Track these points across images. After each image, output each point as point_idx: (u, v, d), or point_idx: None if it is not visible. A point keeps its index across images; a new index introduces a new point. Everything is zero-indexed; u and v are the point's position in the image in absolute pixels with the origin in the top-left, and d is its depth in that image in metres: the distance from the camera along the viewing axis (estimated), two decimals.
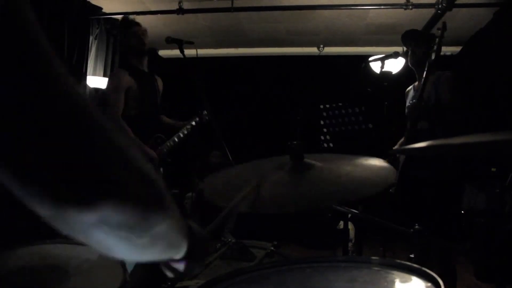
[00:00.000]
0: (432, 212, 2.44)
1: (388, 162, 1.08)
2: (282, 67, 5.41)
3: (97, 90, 4.22)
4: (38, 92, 0.34)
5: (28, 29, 0.34)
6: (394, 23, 4.46)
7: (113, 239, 0.43)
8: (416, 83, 2.74)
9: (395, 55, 2.84)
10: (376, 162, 1.11)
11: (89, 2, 4.04)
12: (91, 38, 4.16)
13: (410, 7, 3.80)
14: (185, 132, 2.97)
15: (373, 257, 0.94)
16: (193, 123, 3.00)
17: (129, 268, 1.31)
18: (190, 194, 4.77)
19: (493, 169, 3.53)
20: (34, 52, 0.35)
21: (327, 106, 2.69)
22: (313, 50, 5.31)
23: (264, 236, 1.85)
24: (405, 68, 4.16)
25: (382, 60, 2.86)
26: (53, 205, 0.37)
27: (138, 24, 2.86)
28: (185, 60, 2.57)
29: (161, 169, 2.90)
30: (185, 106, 3.43)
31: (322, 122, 2.70)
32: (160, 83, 3.01)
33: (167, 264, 0.64)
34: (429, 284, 0.79)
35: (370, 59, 3.07)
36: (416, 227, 1.37)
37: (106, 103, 2.73)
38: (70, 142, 0.36)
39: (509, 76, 3.66)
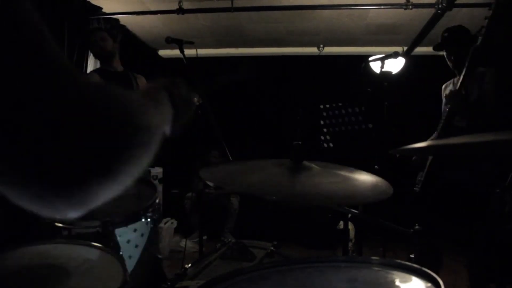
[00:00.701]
0: (462, 214, 2.42)
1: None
2: (282, 67, 5.40)
3: None
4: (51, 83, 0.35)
5: (28, 21, 0.35)
6: (394, 23, 4.46)
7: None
8: (456, 78, 2.70)
9: (395, 55, 2.84)
10: (374, 178, 1.11)
11: (89, 2, 4.04)
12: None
13: (410, 7, 3.80)
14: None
15: (373, 257, 0.94)
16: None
17: (129, 268, 1.32)
18: (190, 194, 4.78)
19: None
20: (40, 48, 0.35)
21: (327, 106, 2.69)
22: (313, 50, 5.31)
23: (264, 236, 1.85)
24: (405, 68, 4.18)
25: (382, 60, 2.86)
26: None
27: (95, 30, 2.85)
28: (185, 60, 2.57)
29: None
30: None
31: (322, 122, 2.70)
32: (140, 80, 2.98)
33: None
34: (429, 284, 0.79)
35: (370, 59, 3.07)
36: (416, 227, 1.37)
37: None
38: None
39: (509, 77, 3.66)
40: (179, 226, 4.41)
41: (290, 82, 5.34)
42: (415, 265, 0.86)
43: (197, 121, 3.01)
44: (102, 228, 1.53)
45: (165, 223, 4.18)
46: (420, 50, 4.62)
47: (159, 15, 4.18)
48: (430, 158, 2.61)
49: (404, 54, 4.14)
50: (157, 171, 4.64)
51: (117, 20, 4.47)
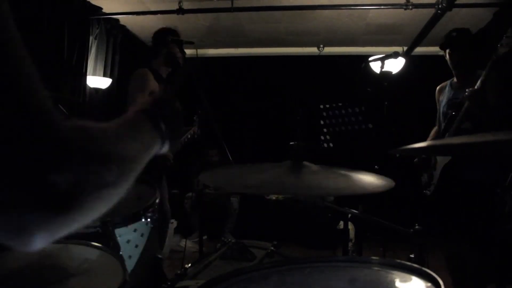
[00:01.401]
0: (474, 215, 2.41)
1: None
2: (282, 67, 5.40)
3: (97, 90, 4.22)
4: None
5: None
6: (394, 23, 4.46)
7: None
8: (454, 80, 2.71)
9: (395, 55, 2.83)
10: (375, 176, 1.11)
11: (89, 2, 4.04)
12: (91, 38, 4.16)
13: (410, 7, 3.80)
14: (186, 140, 3.00)
15: (373, 257, 0.94)
16: (192, 132, 3.03)
17: (129, 268, 1.31)
18: (190, 194, 4.78)
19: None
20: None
21: (327, 106, 2.69)
22: (313, 50, 5.31)
23: (264, 236, 1.85)
24: (405, 68, 4.18)
25: (382, 60, 2.85)
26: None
27: (177, 43, 2.86)
28: (185, 60, 2.57)
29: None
30: (185, 106, 3.43)
31: (322, 122, 2.70)
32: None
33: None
34: (429, 284, 0.79)
35: (370, 59, 3.06)
36: (416, 227, 1.37)
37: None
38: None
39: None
40: (179, 226, 4.41)
41: (290, 82, 5.34)
42: (415, 265, 0.86)
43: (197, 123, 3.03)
44: (102, 228, 1.53)
45: None
46: (420, 50, 4.62)
47: (159, 15, 4.18)
48: (440, 160, 2.59)
49: (404, 54, 4.14)
50: None
51: (117, 20, 4.48)
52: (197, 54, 2.65)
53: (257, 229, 4.42)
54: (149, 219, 1.77)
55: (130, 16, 4.35)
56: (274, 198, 4.94)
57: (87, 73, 4.10)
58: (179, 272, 1.33)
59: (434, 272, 0.80)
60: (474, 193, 2.45)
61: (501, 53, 2.27)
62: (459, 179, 2.51)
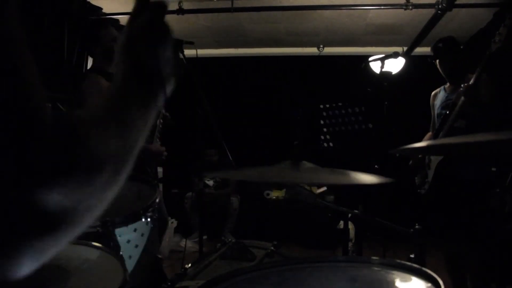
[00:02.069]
0: (469, 213, 2.43)
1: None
2: (282, 67, 5.40)
3: None
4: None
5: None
6: (394, 23, 4.46)
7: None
8: (447, 85, 2.76)
9: (395, 55, 2.84)
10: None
11: (89, 2, 4.04)
12: None
13: (410, 7, 3.80)
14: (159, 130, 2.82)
15: (373, 257, 0.94)
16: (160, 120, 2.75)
17: (129, 268, 1.31)
18: (190, 194, 4.78)
19: (493, 169, 3.53)
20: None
21: (327, 106, 2.69)
22: (313, 50, 5.31)
23: (264, 236, 1.85)
24: (405, 68, 4.18)
25: (382, 60, 2.86)
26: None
27: (107, 25, 2.72)
28: (185, 60, 2.56)
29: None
30: (184, 106, 3.43)
31: (322, 122, 2.70)
32: None
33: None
34: (429, 284, 0.79)
35: (370, 59, 3.07)
36: (416, 227, 1.37)
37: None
38: None
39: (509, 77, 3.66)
40: (179, 226, 4.41)
41: (290, 82, 5.34)
42: (415, 265, 0.86)
43: (197, 121, 3.02)
44: (102, 228, 1.53)
45: None
46: (420, 50, 4.62)
47: None
48: (433, 159, 2.60)
49: (404, 54, 4.14)
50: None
51: (117, 20, 4.47)
52: (197, 54, 2.65)
53: (257, 229, 4.43)
54: (149, 219, 1.77)
55: None
56: (274, 197, 4.95)
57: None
58: (179, 272, 1.33)
59: (434, 272, 0.81)
60: (468, 192, 2.48)
61: (493, 49, 2.29)
62: (453, 178, 2.53)
